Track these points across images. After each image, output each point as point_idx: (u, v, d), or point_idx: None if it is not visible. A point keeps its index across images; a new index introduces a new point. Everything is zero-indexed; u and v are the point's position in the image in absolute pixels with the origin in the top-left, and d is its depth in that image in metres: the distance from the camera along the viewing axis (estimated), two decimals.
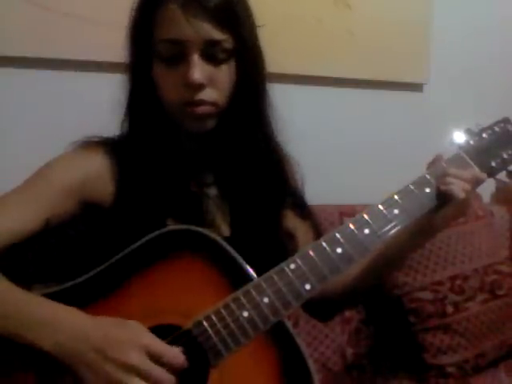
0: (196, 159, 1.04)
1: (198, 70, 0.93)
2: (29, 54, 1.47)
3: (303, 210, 1.15)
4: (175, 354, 0.84)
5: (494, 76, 1.95)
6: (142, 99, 1.01)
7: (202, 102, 0.96)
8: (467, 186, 0.95)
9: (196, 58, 0.94)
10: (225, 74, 0.97)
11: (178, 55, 0.95)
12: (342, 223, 1.53)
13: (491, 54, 1.94)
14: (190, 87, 0.95)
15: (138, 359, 0.80)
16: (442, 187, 0.95)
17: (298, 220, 1.14)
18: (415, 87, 1.91)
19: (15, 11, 1.43)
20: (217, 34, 0.94)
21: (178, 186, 1.01)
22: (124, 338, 0.82)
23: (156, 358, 0.82)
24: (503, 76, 1.96)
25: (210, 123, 0.99)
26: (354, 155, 1.83)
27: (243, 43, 0.98)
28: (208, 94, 0.96)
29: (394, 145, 1.84)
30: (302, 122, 1.68)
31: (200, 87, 0.95)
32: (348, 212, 1.62)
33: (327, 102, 1.80)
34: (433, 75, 1.88)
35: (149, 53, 0.98)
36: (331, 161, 1.79)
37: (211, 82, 0.96)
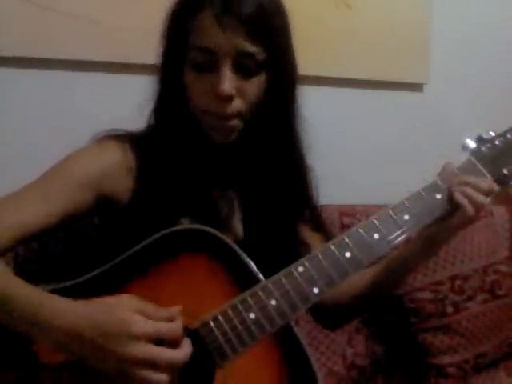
0: (217, 163, 1.04)
1: (228, 81, 0.93)
2: (29, 54, 1.45)
3: (317, 224, 1.14)
4: (172, 328, 0.81)
5: (493, 76, 1.95)
6: (172, 100, 1.01)
7: (229, 117, 0.96)
8: (482, 198, 0.95)
9: (227, 70, 0.93)
10: (254, 86, 0.97)
11: (210, 64, 0.94)
12: (342, 223, 1.55)
13: (491, 54, 1.94)
14: (219, 98, 0.94)
15: (138, 351, 0.77)
16: (457, 197, 0.94)
17: (310, 233, 1.14)
18: (415, 87, 1.90)
19: (15, 11, 1.42)
20: (249, 47, 0.93)
21: (196, 186, 1.01)
22: (115, 328, 0.77)
23: (155, 339, 0.79)
24: (503, 76, 1.96)
25: (234, 136, 0.99)
26: (353, 155, 1.82)
27: (276, 55, 0.97)
28: (234, 105, 0.96)
29: (393, 145, 1.84)
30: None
31: (228, 99, 0.94)
32: (348, 212, 1.61)
33: (327, 102, 1.80)
34: (433, 75, 1.88)
35: (182, 58, 0.97)
36: (331, 161, 1.78)
37: (240, 93, 0.95)
